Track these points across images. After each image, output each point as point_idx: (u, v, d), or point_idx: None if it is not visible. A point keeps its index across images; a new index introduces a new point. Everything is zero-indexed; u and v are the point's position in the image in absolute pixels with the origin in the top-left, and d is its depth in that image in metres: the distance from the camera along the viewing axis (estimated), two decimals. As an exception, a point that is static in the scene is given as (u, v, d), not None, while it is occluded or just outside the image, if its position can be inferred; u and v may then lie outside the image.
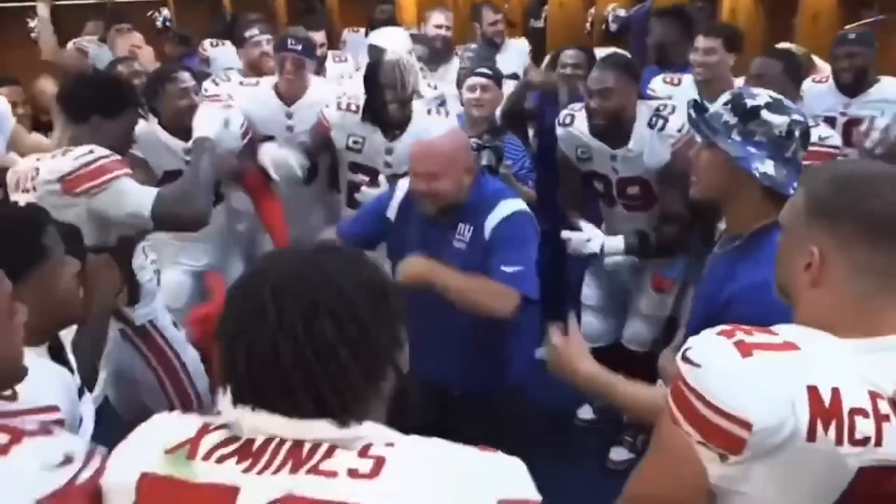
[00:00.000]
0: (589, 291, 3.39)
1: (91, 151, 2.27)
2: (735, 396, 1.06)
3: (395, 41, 3.68)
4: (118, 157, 2.34)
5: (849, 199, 1.14)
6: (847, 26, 4.32)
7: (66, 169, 2.23)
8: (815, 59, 3.95)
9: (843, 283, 1.14)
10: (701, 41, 3.49)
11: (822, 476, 1.07)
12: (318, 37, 4.15)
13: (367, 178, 3.14)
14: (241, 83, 3.55)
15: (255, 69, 3.83)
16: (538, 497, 0.98)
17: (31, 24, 4.72)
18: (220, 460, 0.97)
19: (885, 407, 1.07)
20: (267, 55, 3.76)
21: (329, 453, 0.96)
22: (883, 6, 4.61)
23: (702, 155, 1.75)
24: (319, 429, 0.97)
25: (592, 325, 3.35)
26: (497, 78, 3.47)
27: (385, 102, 3.05)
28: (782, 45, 3.82)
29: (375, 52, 3.51)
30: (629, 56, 3.50)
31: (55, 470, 1.03)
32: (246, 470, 0.96)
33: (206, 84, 3.60)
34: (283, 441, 0.98)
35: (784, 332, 1.13)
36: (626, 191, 3.10)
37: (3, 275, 1.15)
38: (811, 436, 1.05)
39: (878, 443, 1.05)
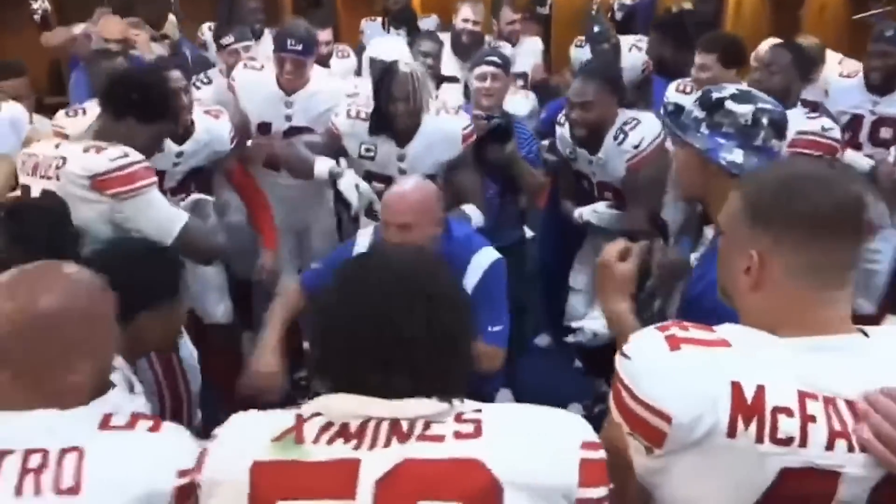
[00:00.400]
0: (577, 275, 3.45)
1: (126, 155, 2.32)
2: (657, 389, 1.09)
3: (395, 51, 3.66)
4: (148, 163, 2.38)
5: (782, 201, 1.15)
6: (854, 17, 4.32)
7: (101, 168, 2.27)
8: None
9: (782, 285, 1.15)
10: (697, 57, 3.47)
11: (742, 474, 1.07)
12: (324, 35, 4.15)
13: (382, 187, 3.08)
14: (244, 65, 3.56)
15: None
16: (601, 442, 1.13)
17: (34, 5, 4.70)
18: (330, 442, 1.08)
19: (814, 408, 1.07)
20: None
21: (427, 426, 1.08)
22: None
23: (678, 155, 1.81)
24: (420, 406, 1.09)
25: (578, 309, 3.39)
26: (506, 66, 3.47)
27: (395, 114, 3.03)
28: (800, 39, 3.78)
29: (376, 65, 3.50)
30: (611, 68, 3.54)
31: (191, 450, 1.20)
32: (356, 447, 1.06)
33: (199, 94, 3.60)
34: (380, 421, 1.08)
35: (722, 330, 1.15)
36: (604, 194, 3.23)
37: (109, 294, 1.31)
38: (731, 432, 1.06)
39: (803, 443, 1.05)
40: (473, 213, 3.03)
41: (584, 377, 3.65)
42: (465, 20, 4.44)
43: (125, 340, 1.48)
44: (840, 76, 3.66)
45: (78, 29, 4.13)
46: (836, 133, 3.04)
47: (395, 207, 2.30)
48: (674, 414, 1.07)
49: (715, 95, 1.72)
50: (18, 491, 1.10)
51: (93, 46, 3.90)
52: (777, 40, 3.59)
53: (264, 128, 3.50)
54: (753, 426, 1.05)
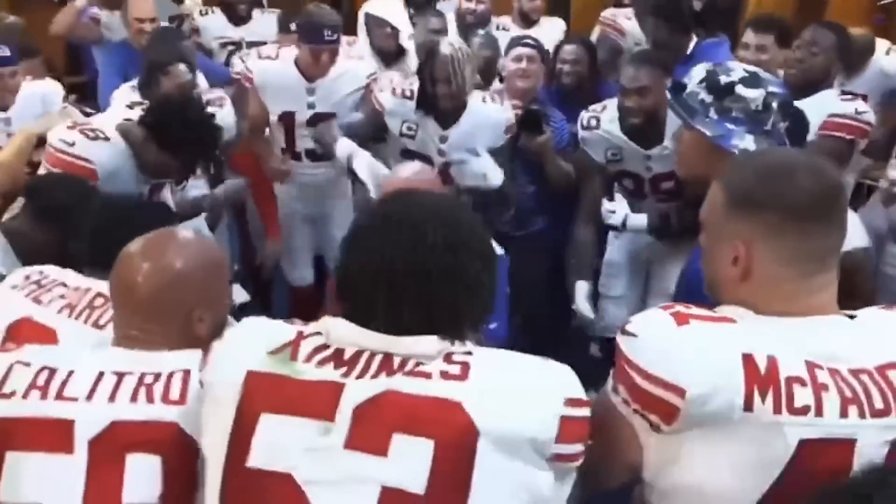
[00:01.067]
0: (608, 281, 3.35)
1: (73, 144, 2.51)
2: (669, 363, 1.09)
3: (390, 9, 3.69)
4: (93, 167, 2.51)
5: (770, 188, 1.17)
6: (880, 1, 4.29)
7: (52, 140, 2.52)
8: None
9: (770, 273, 1.17)
10: (751, 37, 3.30)
11: (760, 450, 1.07)
12: None
13: None
14: (259, 57, 3.58)
15: None
16: (587, 399, 1.15)
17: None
18: (320, 364, 1.11)
19: (823, 377, 1.09)
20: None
21: (417, 363, 1.10)
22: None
23: (683, 136, 1.80)
24: (414, 344, 1.11)
25: (614, 315, 3.25)
26: (542, 49, 3.44)
27: (438, 95, 3.05)
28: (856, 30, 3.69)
29: (373, 21, 3.53)
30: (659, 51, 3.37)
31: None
32: (344, 374, 1.09)
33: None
34: (373, 354, 1.11)
35: (722, 310, 1.19)
36: (659, 186, 3.08)
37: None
38: (748, 405, 1.06)
39: (819, 412, 1.07)
40: (487, 166, 3.05)
41: (597, 364, 3.64)
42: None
43: None
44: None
45: (80, 2, 4.13)
46: (870, 116, 2.97)
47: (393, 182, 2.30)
48: (688, 387, 1.07)
49: (723, 79, 1.71)
50: (133, 398, 1.28)
51: (131, 28, 3.97)
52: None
53: (287, 117, 3.49)
54: (770, 397, 1.06)
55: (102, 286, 1.64)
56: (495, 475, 1.04)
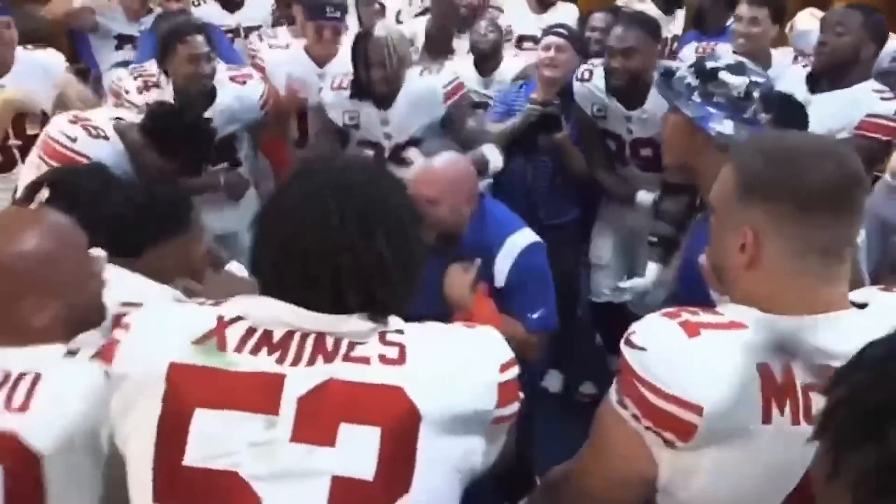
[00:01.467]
0: (598, 251, 3.43)
1: (75, 140, 2.52)
2: (683, 380, 1.04)
3: None
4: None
5: (783, 174, 1.11)
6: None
7: (51, 131, 2.56)
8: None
9: (780, 263, 1.11)
10: (745, 9, 3.33)
11: (779, 462, 1.02)
12: None
13: (373, 154, 3.17)
14: (269, 46, 3.63)
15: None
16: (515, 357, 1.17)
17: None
18: (254, 351, 1.08)
19: None
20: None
21: (351, 346, 1.09)
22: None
23: (668, 120, 1.84)
24: (346, 323, 1.09)
25: (602, 283, 3.38)
26: (574, 39, 3.41)
27: (372, 80, 3.05)
28: None
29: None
30: (652, 17, 3.42)
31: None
32: (279, 360, 1.07)
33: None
34: (305, 334, 1.09)
35: (729, 311, 1.13)
36: (638, 152, 3.14)
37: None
38: (766, 417, 1.03)
39: None
40: (492, 153, 3.05)
41: (599, 356, 3.65)
42: None
43: (145, 272, 1.69)
44: None
45: (78, 2, 4.13)
46: None
47: (423, 180, 2.28)
48: (704, 404, 1.02)
49: (710, 65, 1.76)
50: None
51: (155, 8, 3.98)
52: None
53: (300, 103, 3.54)
54: (788, 407, 1.03)
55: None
56: (437, 451, 1.06)
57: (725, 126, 1.72)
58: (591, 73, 3.16)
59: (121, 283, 1.56)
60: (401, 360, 1.09)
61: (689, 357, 1.05)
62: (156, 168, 2.60)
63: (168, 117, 2.64)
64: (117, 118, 2.70)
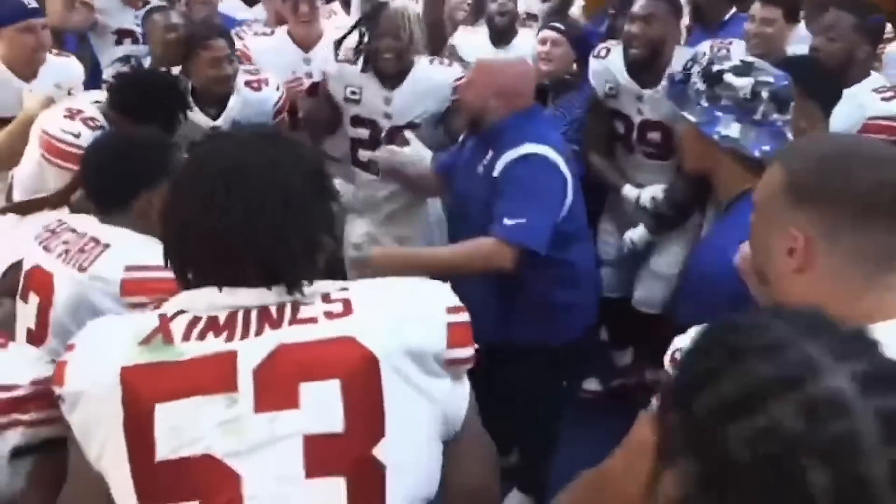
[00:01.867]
0: (605, 246, 3.37)
1: (78, 136, 2.49)
2: None
3: None
4: None
5: (839, 179, 1.08)
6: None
7: (51, 131, 2.52)
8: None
9: (834, 269, 1.09)
10: (758, 9, 3.20)
11: None
12: None
13: (367, 133, 3.16)
14: (254, 34, 3.59)
15: None
16: (463, 305, 1.19)
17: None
18: (201, 337, 1.09)
19: None
20: None
21: (296, 309, 1.11)
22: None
23: (681, 126, 1.85)
24: (275, 295, 1.12)
25: (606, 277, 3.30)
26: (569, 33, 3.44)
27: (381, 51, 3.00)
28: None
29: None
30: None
31: (46, 363, 1.26)
32: (228, 339, 1.08)
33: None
34: (248, 310, 1.11)
35: None
36: (646, 136, 3.11)
37: None
38: None
39: None
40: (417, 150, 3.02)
41: (602, 352, 3.65)
42: None
43: (136, 225, 1.75)
44: None
45: (78, 15, 4.07)
46: None
47: (474, 65, 2.63)
48: None
49: (716, 68, 1.76)
50: None
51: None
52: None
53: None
54: None
55: (98, 230, 1.75)
56: (404, 392, 1.09)
57: (732, 129, 1.72)
58: (608, 50, 3.16)
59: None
60: (346, 311, 1.11)
61: None
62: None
63: (130, 84, 2.63)
64: (96, 101, 2.68)
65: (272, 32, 3.60)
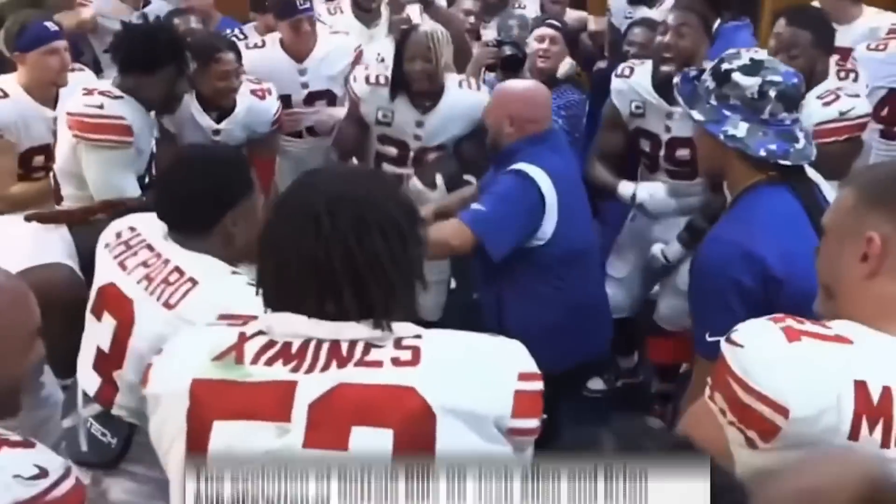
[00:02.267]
0: (616, 262, 3.31)
1: (101, 106, 2.60)
2: (775, 381, 1.05)
3: None
4: (126, 124, 2.62)
5: None
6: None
7: (75, 108, 2.66)
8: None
9: None
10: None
11: None
12: None
13: (394, 151, 3.19)
14: (246, 46, 3.56)
15: None
16: (540, 373, 1.16)
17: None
18: (269, 363, 1.11)
19: None
20: None
21: (367, 350, 1.10)
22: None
23: (694, 126, 1.84)
24: (358, 329, 1.11)
25: (615, 297, 3.14)
26: (566, 32, 3.52)
27: (413, 73, 3.04)
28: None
29: None
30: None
31: (28, 482, 1.12)
32: (294, 370, 1.09)
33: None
34: (320, 342, 1.11)
35: (838, 326, 1.11)
36: (674, 153, 3.05)
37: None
38: (854, 434, 1.01)
39: None
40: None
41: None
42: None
43: (216, 247, 1.67)
44: (868, 49, 3.39)
45: (87, 12, 4.15)
46: (859, 109, 2.86)
47: (498, 88, 2.75)
48: (792, 407, 1.03)
49: (724, 67, 1.74)
50: None
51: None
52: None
53: (284, 101, 3.50)
54: (879, 430, 1.02)
55: (181, 258, 1.66)
56: (460, 448, 1.06)
57: (739, 129, 1.70)
58: (632, 69, 3.12)
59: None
60: (414, 361, 1.10)
61: (784, 360, 1.06)
62: (157, 94, 2.72)
63: (129, 40, 2.73)
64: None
65: (263, 44, 3.59)
